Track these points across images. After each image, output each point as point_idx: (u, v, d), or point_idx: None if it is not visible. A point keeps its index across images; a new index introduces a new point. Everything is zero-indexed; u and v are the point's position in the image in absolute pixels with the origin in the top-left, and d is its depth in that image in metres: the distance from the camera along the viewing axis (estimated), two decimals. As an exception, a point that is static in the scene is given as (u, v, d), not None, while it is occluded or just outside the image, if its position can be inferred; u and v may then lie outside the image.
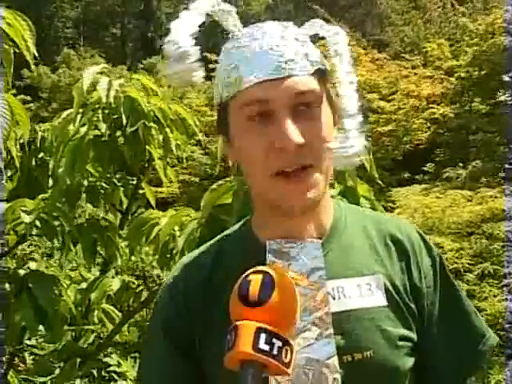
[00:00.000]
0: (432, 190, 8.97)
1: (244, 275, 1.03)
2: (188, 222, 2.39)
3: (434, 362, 1.22)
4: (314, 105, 1.11)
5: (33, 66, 2.35)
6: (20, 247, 2.96)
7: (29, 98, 21.01)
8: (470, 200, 7.81)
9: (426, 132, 11.88)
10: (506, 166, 7.95)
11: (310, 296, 1.11)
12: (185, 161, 2.98)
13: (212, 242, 1.29)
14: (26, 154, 3.00)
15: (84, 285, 3.03)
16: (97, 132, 2.73)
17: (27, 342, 3.27)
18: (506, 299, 5.73)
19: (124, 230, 2.98)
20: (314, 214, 1.18)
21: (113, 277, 3.02)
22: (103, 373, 3.57)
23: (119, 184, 2.95)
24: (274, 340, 0.97)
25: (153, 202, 3.04)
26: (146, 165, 2.88)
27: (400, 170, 11.45)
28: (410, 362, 1.17)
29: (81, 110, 2.70)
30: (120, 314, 3.06)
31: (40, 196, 2.68)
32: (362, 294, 1.16)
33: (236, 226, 1.30)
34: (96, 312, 2.95)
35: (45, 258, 4.29)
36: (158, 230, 2.57)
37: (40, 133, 3.07)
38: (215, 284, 1.20)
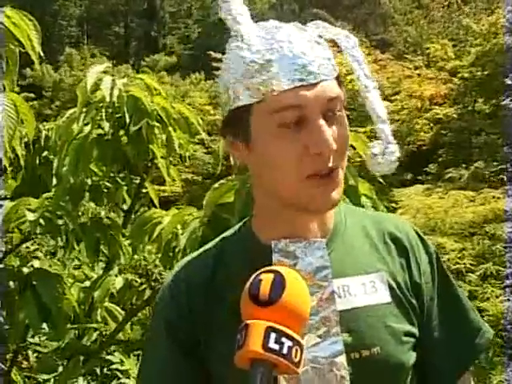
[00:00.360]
0: (434, 191, 8.97)
1: (255, 274, 1.04)
2: (190, 220, 2.40)
3: (432, 357, 1.24)
4: (338, 109, 1.11)
5: (37, 66, 2.37)
6: (24, 245, 2.97)
7: (32, 95, 21.03)
8: (472, 201, 7.81)
9: (428, 133, 11.87)
10: (509, 166, 7.96)
11: (316, 295, 1.12)
12: (187, 160, 2.99)
13: (212, 243, 1.29)
14: (31, 152, 3.01)
15: (87, 283, 3.05)
16: (100, 131, 2.75)
17: (30, 339, 3.28)
18: (508, 300, 5.74)
19: (127, 228, 2.99)
20: (322, 214, 1.20)
21: (116, 275, 3.03)
22: (106, 371, 3.58)
23: (122, 183, 2.96)
24: (284, 339, 0.97)
25: (156, 201, 3.05)
26: (149, 164, 2.89)
27: (403, 171, 11.44)
28: (413, 357, 1.19)
29: (84, 109, 2.71)
30: (123, 313, 3.07)
31: (44, 195, 2.70)
32: (367, 291, 1.17)
33: (235, 228, 1.30)
34: (99, 310, 2.96)
35: (48, 257, 4.30)
36: (161, 228, 2.58)
37: (44, 132, 3.09)
38: (218, 284, 1.21)
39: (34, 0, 31.78)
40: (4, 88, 2.21)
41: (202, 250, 1.29)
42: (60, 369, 3.17)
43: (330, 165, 1.10)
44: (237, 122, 1.14)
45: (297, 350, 0.98)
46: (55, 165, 2.87)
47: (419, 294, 1.22)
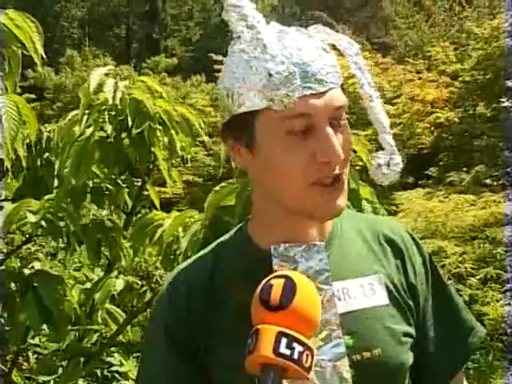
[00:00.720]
0: (435, 194, 8.97)
1: (265, 280, 1.04)
2: (192, 223, 2.40)
3: (425, 356, 1.26)
4: (343, 117, 1.12)
5: (39, 68, 2.37)
6: (25, 247, 2.97)
7: (33, 96, 21.04)
8: (473, 204, 7.81)
9: (429, 136, 11.87)
10: (510, 170, 7.96)
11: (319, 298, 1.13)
12: (189, 162, 2.99)
13: (209, 248, 1.29)
14: (32, 154, 3.02)
15: (88, 285, 3.05)
16: (102, 133, 2.75)
17: (31, 340, 3.28)
18: (509, 304, 5.73)
19: (128, 230, 3.00)
20: None
21: (116, 277, 3.03)
22: (106, 372, 3.58)
23: (124, 185, 2.97)
24: (295, 344, 0.98)
25: (157, 204, 3.05)
26: (151, 166, 2.90)
27: (403, 174, 11.42)
28: (411, 357, 1.21)
29: (87, 112, 2.71)
30: (124, 315, 3.07)
31: (46, 196, 2.70)
32: (366, 293, 1.19)
33: (231, 232, 1.30)
34: (100, 312, 2.97)
35: (49, 258, 4.31)
36: (162, 231, 2.58)
37: (46, 133, 3.09)
38: (216, 288, 1.21)
39: (36, 2, 31.82)
40: (6, 89, 2.21)
41: (199, 254, 1.29)
42: (60, 370, 3.17)
43: (336, 172, 1.10)
44: (240, 126, 1.13)
45: (307, 355, 0.99)
46: (57, 166, 2.87)
47: (415, 294, 1.24)
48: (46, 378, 3.30)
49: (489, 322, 5.32)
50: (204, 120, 3.83)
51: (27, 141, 2.81)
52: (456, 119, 11.70)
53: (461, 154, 11.25)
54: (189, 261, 1.30)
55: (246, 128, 1.12)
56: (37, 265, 2.78)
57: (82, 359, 2.93)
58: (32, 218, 2.56)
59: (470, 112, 11.97)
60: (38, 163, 3.08)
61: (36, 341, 3.42)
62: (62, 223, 2.61)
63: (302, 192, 1.11)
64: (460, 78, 12.26)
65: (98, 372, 3.53)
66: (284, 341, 0.97)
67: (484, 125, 11.34)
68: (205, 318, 1.19)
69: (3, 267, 2.73)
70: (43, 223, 2.57)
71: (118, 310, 3.09)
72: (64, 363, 3.05)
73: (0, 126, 2.12)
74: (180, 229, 2.50)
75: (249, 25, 1.09)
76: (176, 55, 33.85)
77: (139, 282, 3.11)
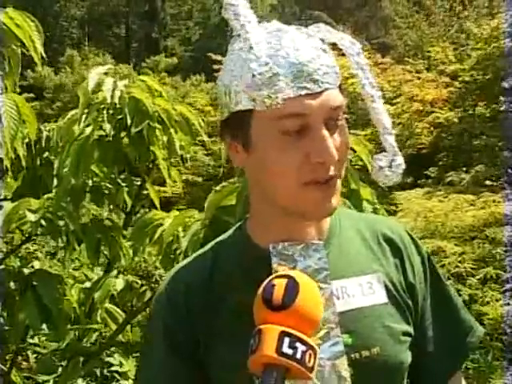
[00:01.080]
0: (435, 194, 8.97)
1: (268, 279, 1.04)
2: (192, 223, 2.40)
3: (424, 356, 1.27)
4: (340, 117, 1.12)
5: (40, 67, 2.37)
6: (24, 246, 2.97)
7: (32, 95, 21.03)
8: (472, 204, 7.82)
9: (429, 136, 11.87)
10: (509, 170, 7.96)
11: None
12: (189, 161, 2.99)
13: (208, 246, 1.29)
14: (32, 153, 3.01)
15: (88, 284, 3.04)
16: (101, 132, 2.74)
17: (30, 340, 3.28)
18: (508, 304, 5.73)
19: (128, 230, 2.99)
20: None
21: (116, 277, 3.03)
22: (105, 372, 3.58)
23: (123, 184, 2.96)
24: (298, 344, 0.98)
25: (157, 203, 3.04)
26: (151, 165, 2.89)
27: (403, 174, 11.42)
28: (410, 356, 1.21)
29: (86, 111, 2.71)
30: (123, 314, 3.07)
31: (45, 195, 2.69)
32: (364, 292, 1.19)
33: (230, 231, 1.30)
34: (99, 311, 2.96)
35: (48, 257, 4.31)
36: (162, 230, 2.57)
37: (45, 132, 3.09)
38: (216, 287, 1.21)
39: (36, 1, 31.81)
40: (6, 88, 2.21)
41: (198, 252, 1.29)
42: (59, 370, 3.17)
43: (331, 173, 1.10)
44: (237, 124, 1.14)
45: (310, 355, 0.99)
46: (56, 166, 2.87)
47: (413, 294, 1.24)
48: (45, 378, 3.30)
49: (488, 321, 5.32)
50: (203, 119, 3.83)
51: (27, 140, 2.80)
52: (455, 119, 11.70)
53: (460, 154, 11.25)
54: (188, 259, 1.30)
55: (243, 126, 1.12)
56: (36, 264, 2.78)
57: (82, 359, 2.92)
58: (31, 218, 2.56)
59: (470, 112, 11.98)
60: (38, 162, 3.08)
61: (35, 340, 3.42)
62: (61, 222, 2.60)
63: (295, 192, 1.11)
64: (460, 78, 12.26)
65: (98, 372, 3.53)
66: (287, 340, 0.97)
67: (483, 125, 11.34)
68: (204, 316, 1.19)
69: (3, 266, 2.73)
70: (43, 222, 2.56)
71: (117, 309, 3.08)
72: (63, 363, 3.05)
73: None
74: (180, 228, 2.49)
75: (241, 24, 1.10)
76: (175, 55, 33.85)
77: (139, 282, 3.11)
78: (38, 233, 2.68)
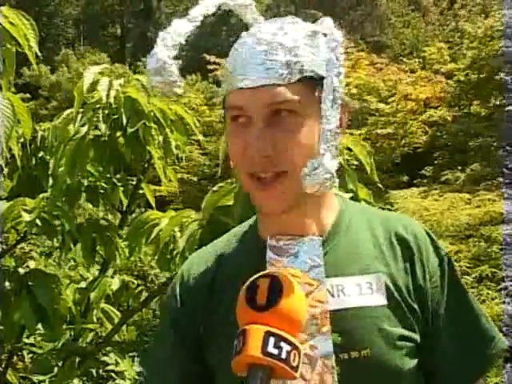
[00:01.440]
0: (430, 193, 9.00)
1: (251, 279, 1.04)
2: (188, 223, 2.39)
3: (441, 366, 1.21)
4: (293, 113, 1.10)
5: (34, 66, 2.36)
6: (19, 246, 2.96)
7: (28, 95, 20.98)
8: (468, 203, 7.84)
9: (424, 135, 11.90)
10: (505, 169, 7.98)
11: (307, 293, 1.12)
12: (184, 160, 2.98)
13: (221, 238, 1.32)
14: (27, 153, 3.00)
15: (83, 284, 3.03)
16: (97, 132, 2.73)
17: (26, 340, 3.26)
18: (504, 302, 5.74)
19: (123, 229, 2.99)
20: (313, 212, 1.19)
21: (112, 276, 3.02)
22: (101, 372, 3.57)
23: (119, 184, 2.95)
24: (283, 344, 0.97)
25: (152, 203, 3.04)
26: (146, 165, 2.89)
27: (398, 173, 11.45)
28: (410, 363, 1.16)
29: (81, 110, 2.70)
30: (119, 314, 3.06)
31: (40, 195, 2.68)
32: (362, 292, 1.16)
33: (245, 223, 1.31)
34: (95, 311, 2.96)
35: (43, 257, 4.29)
36: (159, 230, 2.57)
37: (40, 132, 3.08)
38: (220, 281, 1.22)
39: (31, 0, 31.71)
40: (0, 88, 2.20)
41: (210, 245, 1.32)
42: (55, 370, 3.16)
43: (269, 169, 1.10)
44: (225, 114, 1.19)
45: (295, 354, 0.98)
46: (51, 165, 2.86)
47: (423, 298, 1.19)
48: (41, 378, 3.29)
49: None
50: (199, 119, 3.82)
51: (22, 140, 2.80)
52: (450, 118, 11.73)
53: (455, 153, 11.28)
54: (200, 251, 1.33)
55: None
56: (31, 264, 2.77)
57: (78, 359, 2.91)
58: (27, 217, 2.55)
59: (465, 111, 12.01)
60: (33, 162, 3.07)
61: (31, 340, 3.40)
62: (56, 222, 2.59)
63: (244, 180, 1.15)
64: (455, 78, 12.29)
65: (94, 371, 3.52)
66: (272, 340, 0.97)
67: (479, 124, 11.37)
68: (207, 303, 1.21)
69: (-2, 266, 2.72)
70: (38, 222, 2.55)
71: (113, 309, 3.08)
72: (59, 363, 3.04)
73: (-5, 125, 2.11)
74: (177, 229, 2.49)
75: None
76: (171, 54, 33.73)
77: (135, 282, 3.11)
78: (34, 232, 2.66)
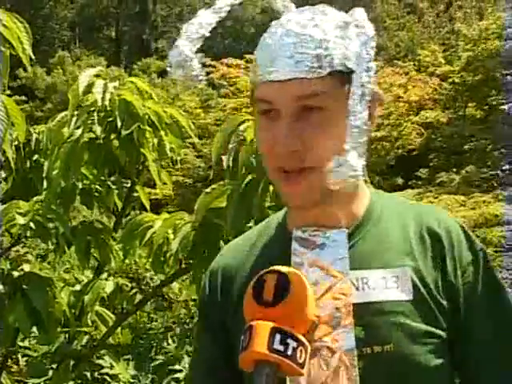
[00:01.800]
0: (425, 195, 9.00)
1: (258, 275, 1.04)
2: (182, 225, 2.39)
3: (478, 368, 1.18)
4: (321, 109, 1.08)
5: (29, 68, 2.36)
6: (14, 249, 2.96)
7: (23, 97, 20.95)
8: (463, 205, 7.85)
9: (419, 137, 11.91)
10: (500, 172, 7.99)
11: (332, 285, 1.11)
12: (179, 163, 2.98)
13: (257, 226, 1.33)
14: (21, 155, 3.00)
15: (78, 287, 3.03)
16: (92, 135, 2.73)
17: (20, 343, 3.26)
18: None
19: (118, 232, 2.98)
20: (342, 205, 1.17)
21: (106, 279, 3.02)
22: (96, 375, 3.57)
23: (113, 187, 2.95)
24: (289, 340, 0.97)
25: (147, 205, 3.03)
26: (141, 167, 2.88)
27: (393, 175, 11.46)
28: (436, 360, 1.13)
29: (76, 113, 2.69)
30: (113, 317, 3.06)
31: (35, 198, 2.68)
32: (388, 286, 1.13)
33: (280, 213, 1.31)
34: (89, 314, 2.95)
35: (38, 260, 4.29)
36: (152, 233, 2.57)
37: (35, 135, 3.07)
38: (248, 270, 1.22)
39: (25, 3, 31.70)
40: (-5, 90, 2.19)
41: (246, 233, 1.34)
42: (50, 373, 3.15)
43: (295, 164, 1.10)
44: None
45: (301, 351, 0.98)
46: (46, 168, 2.86)
47: (453, 295, 1.15)
48: (35, 381, 3.29)
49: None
50: (194, 122, 3.82)
51: (16, 142, 2.79)
52: (445, 120, 11.74)
53: (451, 155, 11.30)
54: (237, 238, 1.34)
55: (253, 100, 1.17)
56: (26, 267, 2.76)
57: (72, 362, 2.91)
58: (21, 220, 2.54)
59: (460, 113, 12.04)
60: (27, 165, 3.07)
61: (26, 343, 3.40)
62: (51, 225, 2.59)
63: (271, 174, 1.14)
64: (450, 80, 12.32)
65: (88, 374, 3.52)
66: (278, 337, 0.97)
67: (474, 126, 11.39)
68: (234, 295, 1.23)
69: (-8, 269, 2.72)
70: (32, 225, 2.55)
71: (107, 312, 3.07)
72: (54, 366, 3.03)
73: (-12, 128, 2.10)
74: (170, 231, 2.49)
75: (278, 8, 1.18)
76: (166, 56, 33.80)
77: (129, 284, 3.10)
78: (28, 235, 2.66)
